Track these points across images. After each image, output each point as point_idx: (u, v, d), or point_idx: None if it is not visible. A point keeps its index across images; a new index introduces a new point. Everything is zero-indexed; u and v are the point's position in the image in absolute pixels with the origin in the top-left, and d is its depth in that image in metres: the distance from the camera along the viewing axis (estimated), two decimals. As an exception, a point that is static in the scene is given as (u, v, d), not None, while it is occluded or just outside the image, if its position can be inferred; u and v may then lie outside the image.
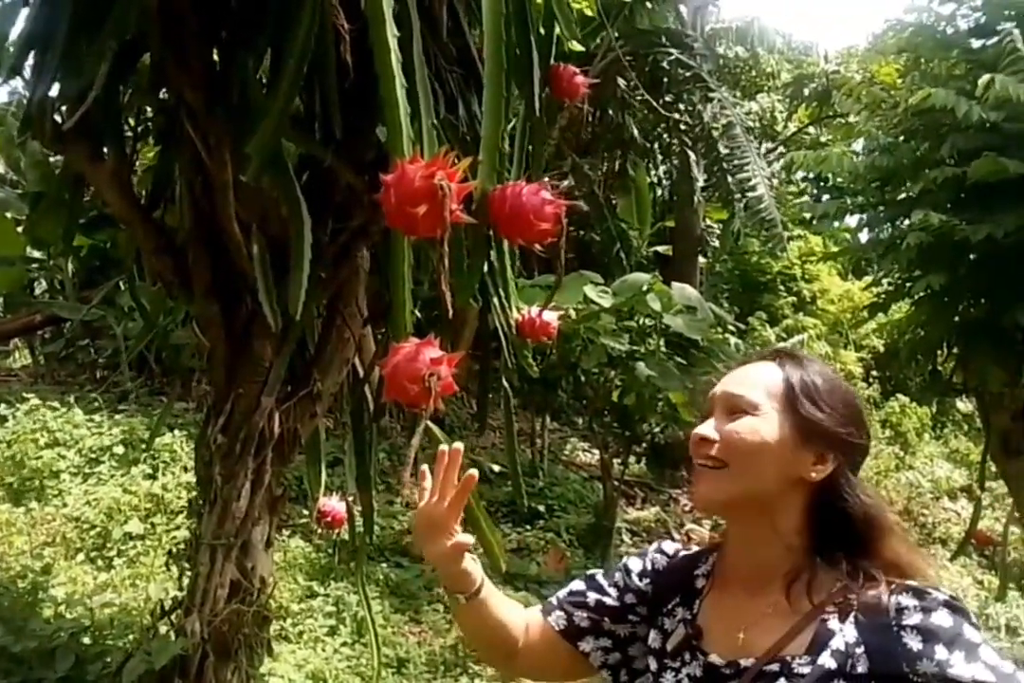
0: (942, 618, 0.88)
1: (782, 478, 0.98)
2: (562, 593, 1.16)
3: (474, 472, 1.05)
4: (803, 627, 0.93)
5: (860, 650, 0.89)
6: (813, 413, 0.98)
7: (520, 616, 1.16)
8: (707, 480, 1.00)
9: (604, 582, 1.14)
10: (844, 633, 0.90)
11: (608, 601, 1.12)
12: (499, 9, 1.48)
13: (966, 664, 0.85)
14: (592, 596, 1.13)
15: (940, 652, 0.86)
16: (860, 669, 0.88)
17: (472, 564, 1.09)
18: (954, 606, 0.90)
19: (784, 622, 0.94)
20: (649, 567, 1.13)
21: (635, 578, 1.12)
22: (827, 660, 0.89)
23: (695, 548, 1.13)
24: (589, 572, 1.19)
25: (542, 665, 1.17)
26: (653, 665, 1.04)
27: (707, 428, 1.02)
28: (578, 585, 1.16)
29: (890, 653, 0.88)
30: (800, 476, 0.98)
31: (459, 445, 1.06)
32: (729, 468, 0.99)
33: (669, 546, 1.16)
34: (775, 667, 0.92)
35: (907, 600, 0.90)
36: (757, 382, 1.02)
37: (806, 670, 0.90)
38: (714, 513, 1.07)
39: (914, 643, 0.87)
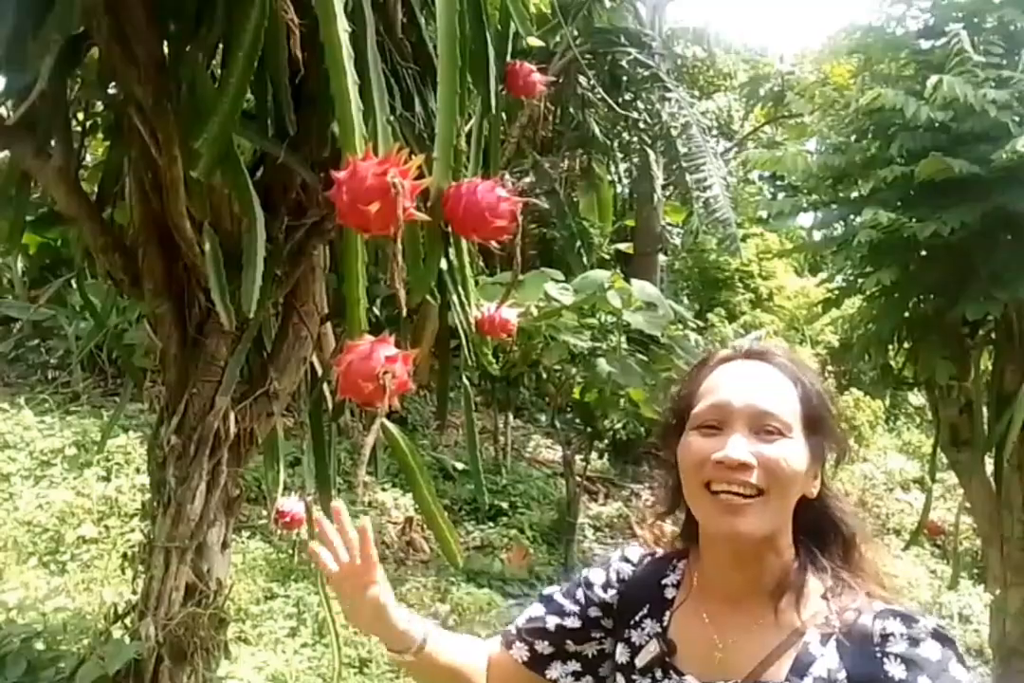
0: (930, 649, 0.85)
1: (794, 502, 0.93)
2: (520, 620, 1.10)
3: (366, 520, 0.99)
4: (785, 649, 0.89)
5: (842, 675, 0.86)
6: (827, 434, 0.95)
7: (479, 654, 1.10)
8: (743, 512, 0.89)
9: (564, 602, 1.07)
10: (826, 657, 0.87)
11: (569, 623, 1.06)
12: (454, 5, 1.48)
13: None
14: (552, 621, 1.06)
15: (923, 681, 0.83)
16: None
17: (410, 619, 1.04)
18: (942, 637, 0.86)
19: (766, 641, 0.90)
20: (614, 577, 1.07)
21: (598, 590, 1.06)
22: None
23: (660, 551, 1.08)
24: (546, 591, 1.13)
25: None
26: (622, 681, 0.99)
27: (739, 450, 0.89)
28: (536, 610, 1.09)
29: (872, 680, 0.85)
30: (804, 493, 0.94)
31: (338, 504, 1.01)
32: (765, 496, 0.89)
33: (634, 552, 1.09)
34: None
35: (893, 626, 0.86)
36: (784, 398, 0.93)
37: None
38: (739, 544, 0.93)
39: (897, 672, 0.84)
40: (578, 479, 6.24)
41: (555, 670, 1.05)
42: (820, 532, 0.95)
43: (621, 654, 1.00)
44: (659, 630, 0.98)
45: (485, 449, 7.16)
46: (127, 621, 2.27)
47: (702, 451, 0.91)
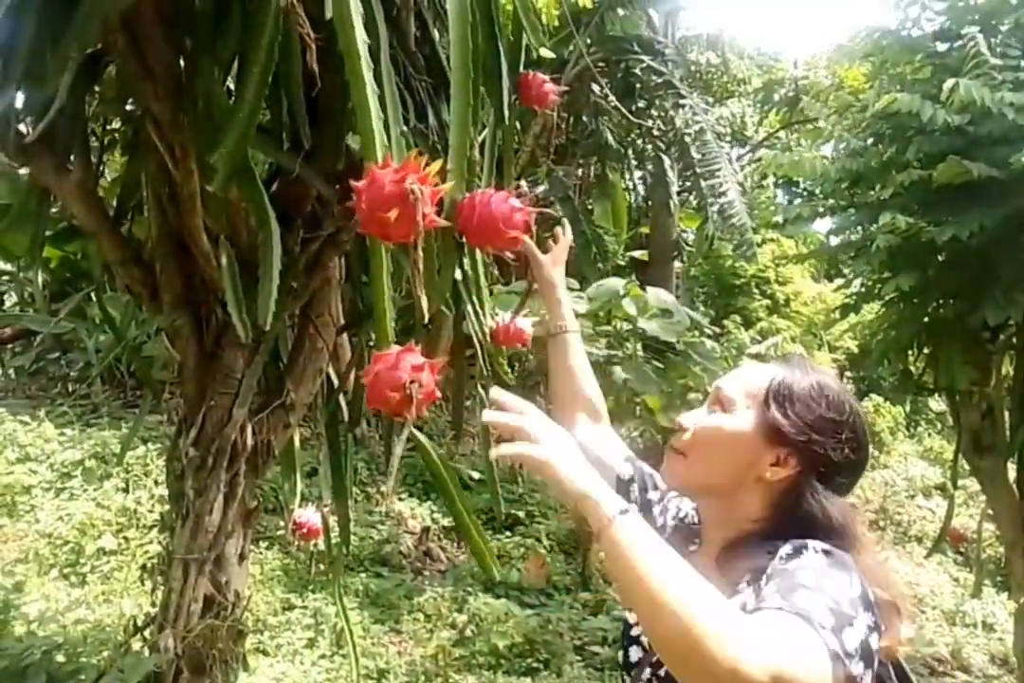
0: (809, 556, 0.92)
1: (737, 474, 1.04)
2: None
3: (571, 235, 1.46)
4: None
5: (752, 600, 0.92)
6: (775, 416, 1.03)
7: (598, 400, 1.38)
8: (670, 464, 1.11)
9: (666, 494, 1.27)
10: (744, 595, 0.95)
11: (652, 501, 1.25)
12: (466, 18, 1.48)
13: (769, 587, 0.87)
14: (651, 494, 1.27)
15: (773, 569, 0.90)
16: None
17: (564, 302, 1.39)
18: (828, 552, 0.92)
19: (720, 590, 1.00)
20: (678, 506, 1.25)
21: (672, 508, 1.25)
22: None
23: None
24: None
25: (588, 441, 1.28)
26: None
27: (687, 417, 1.11)
28: (653, 479, 1.30)
29: (762, 572, 0.93)
30: (758, 475, 1.03)
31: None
32: (688, 458, 1.08)
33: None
34: None
35: (785, 548, 0.94)
36: (744, 380, 1.09)
37: None
38: (677, 490, 1.20)
39: (776, 563, 0.92)
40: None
41: (627, 470, 1.30)
42: (794, 521, 1.01)
43: None
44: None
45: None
46: (146, 633, 2.27)
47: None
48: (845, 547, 0.97)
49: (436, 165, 1.14)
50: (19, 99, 1.88)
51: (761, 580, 0.92)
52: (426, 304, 1.14)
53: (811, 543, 0.95)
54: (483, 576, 4.98)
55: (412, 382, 1.11)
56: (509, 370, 2.46)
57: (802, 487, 1.01)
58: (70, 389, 6.44)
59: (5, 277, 6.13)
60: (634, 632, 1.10)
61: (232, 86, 1.93)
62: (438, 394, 1.16)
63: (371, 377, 1.14)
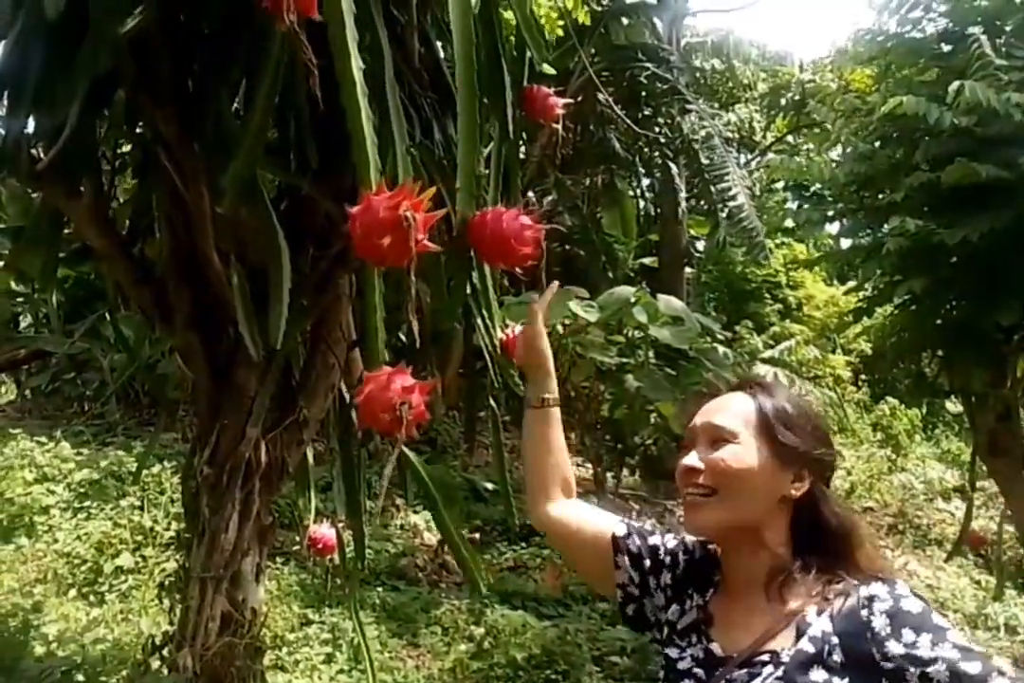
0: (911, 604, 0.96)
1: (768, 499, 1.06)
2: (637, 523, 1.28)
3: (555, 283, 1.33)
4: (785, 623, 1.00)
5: (835, 640, 0.96)
6: (789, 438, 1.06)
7: (571, 476, 1.33)
8: (698, 509, 1.07)
9: (665, 536, 1.23)
10: (820, 624, 0.98)
11: (649, 560, 1.19)
12: (470, 37, 1.50)
13: (932, 645, 0.91)
14: (655, 540, 1.21)
15: (907, 635, 0.93)
16: (836, 658, 0.95)
17: (549, 377, 1.30)
18: (919, 596, 0.98)
19: (766, 621, 1.02)
20: (688, 547, 1.21)
21: (670, 544, 1.21)
22: (806, 645, 0.97)
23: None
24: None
25: (579, 545, 1.25)
26: (665, 633, 1.14)
27: (692, 458, 1.09)
28: (650, 526, 1.27)
29: (859, 637, 0.95)
30: (783, 494, 1.06)
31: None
32: (719, 494, 1.06)
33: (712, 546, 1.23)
34: (765, 657, 0.99)
35: (876, 589, 0.98)
36: (734, 412, 1.10)
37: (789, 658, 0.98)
38: (708, 537, 1.15)
39: (881, 626, 0.94)
40: (610, 496, 6.18)
41: (623, 560, 1.19)
42: (813, 532, 1.06)
43: (672, 613, 1.14)
44: (701, 603, 1.12)
45: (515, 469, 7.14)
46: (165, 652, 2.28)
47: (677, 466, 1.11)
48: (855, 543, 1.05)
49: (431, 191, 1.15)
50: (30, 125, 1.91)
51: (857, 611, 0.96)
52: (431, 322, 1.15)
53: (897, 588, 0.98)
54: (500, 587, 4.96)
55: (402, 403, 1.13)
56: (520, 381, 2.46)
57: (816, 496, 1.07)
58: (86, 408, 6.48)
59: (20, 298, 6.18)
60: (681, 665, 1.08)
61: (240, 108, 1.95)
62: (428, 415, 1.19)
63: (364, 398, 1.16)
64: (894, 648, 0.92)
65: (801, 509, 1.07)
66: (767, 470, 1.05)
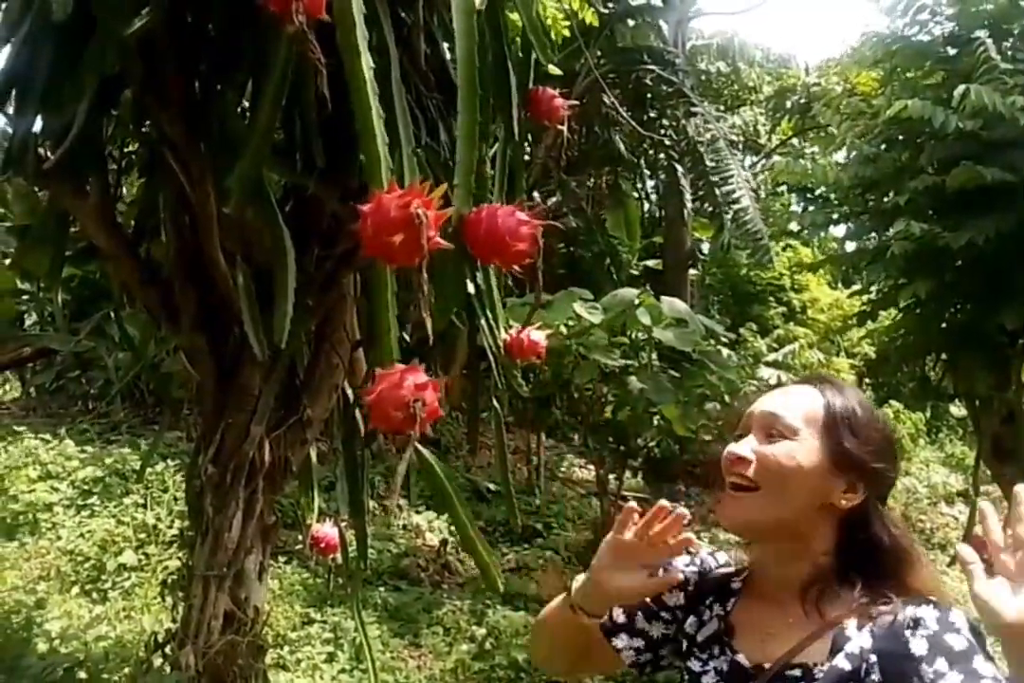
0: (957, 639, 0.88)
1: (811, 504, 0.99)
2: None
3: (691, 536, 1.03)
4: (821, 634, 0.95)
5: (873, 658, 0.90)
6: (850, 443, 0.99)
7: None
8: (737, 503, 1.01)
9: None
10: (859, 639, 0.93)
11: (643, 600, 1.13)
12: (472, 37, 1.50)
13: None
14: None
15: (940, 664, 0.86)
16: (874, 677, 0.89)
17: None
18: (975, 630, 0.90)
19: (804, 631, 0.97)
20: (698, 562, 1.16)
21: (678, 564, 1.13)
22: (842, 661, 0.92)
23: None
24: None
25: (580, 658, 1.18)
26: (684, 647, 1.08)
27: (744, 448, 1.02)
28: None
29: (899, 658, 0.89)
30: (830, 502, 0.99)
31: (684, 511, 1.03)
32: (761, 491, 0.99)
33: (722, 556, 1.18)
34: (797, 672, 0.94)
35: (926, 612, 0.91)
36: (797, 406, 1.02)
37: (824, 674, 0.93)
38: (740, 534, 1.09)
39: (919, 650, 0.88)
40: (612, 498, 6.18)
41: (621, 640, 1.12)
42: (862, 547, 0.99)
43: (690, 625, 1.09)
44: (722, 613, 1.07)
45: (519, 469, 7.14)
46: (167, 650, 2.28)
47: (725, 451, 1.04)
48: (907, 565, 0.98)
49: (441, 189, 1.15)
50: (38, 124, 1.92)
51: (900, 632, 0.90)
52: (430, 324, 1.14)
53: (951, 616, 0.92)
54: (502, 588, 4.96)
55: (416, 401, 1.11)
56: (524, 383, 2.46)
57: (868, 511, 1.00)
58: (90, 407, 6.51)
59: (25, 297, 6.20)
60: (706, 680, 1.03)
61: (247, 108, 1.95)
62: (441, 412, 1.17)
63: (375, 396, 1.14)
64: (925, 673, 0.86)
65: (851, 522, 1.00)
66: (818, 473, 0.98)
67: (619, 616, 1.13)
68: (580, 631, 1.10)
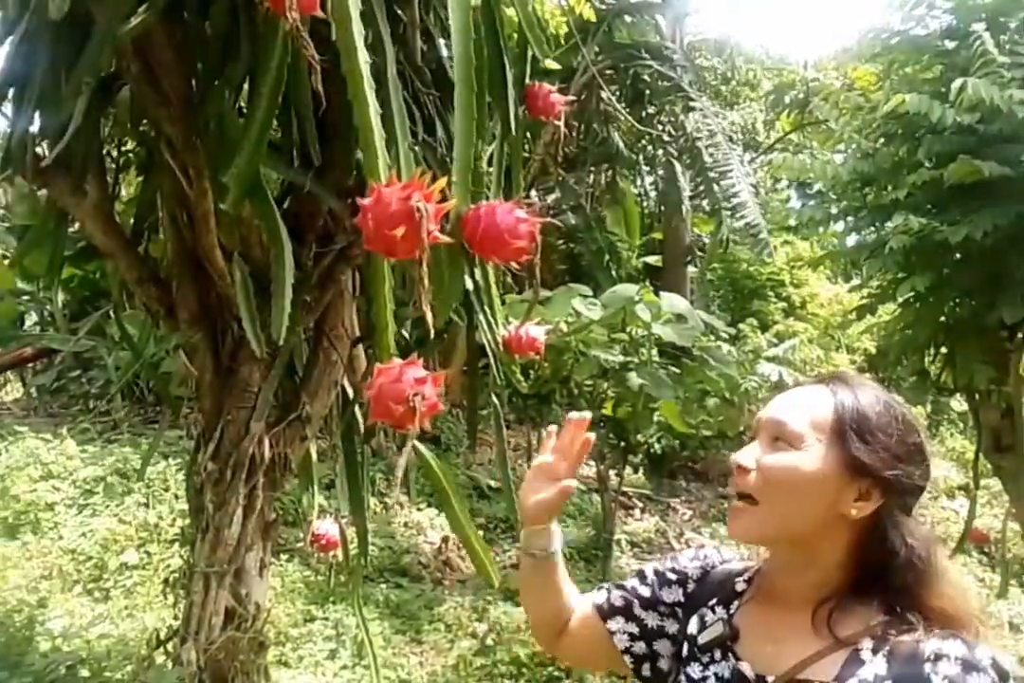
0: (980, 679, 0.83)
1: (818, 514, 0.93)
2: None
3: (591, 435, 1.10)
4: (832, 652, 0.91)
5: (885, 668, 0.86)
6: (861, 450, 0.92)
7: (576, 596, 1.19)
8: (739, 517, 0.98)
9: (648, 571, 1.17)
10: (875, 665, 0.87)
11: (641, 589, 1.14)
12: (468, 34, 1.50)
13: None
14: (630, 582, 1.17)
15: None
16: None
17: (556, 527, 1.14)
18: (1000, 670, 0.85)
19: (810, 644, 0.92)
20: (702, 557, 1.15)
21: (683, 560, 1.15)
22: None
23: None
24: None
25: (580, 645, 1.18)
26: (684, 650, 1.06)
27: (747, 456, 0.97)
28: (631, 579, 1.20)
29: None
30: (840, 513, 0.93)
31: (587, 414, 1.11)
32: (761, 506, 0.95)
33: (728, 552, 1.17)
34: None
35: (950, 647, 0.86)
36: (804, 409, 0.96)
37: None
38: (748, 544, 1.08)
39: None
40: (613, 494, 6.19)
41: (616, 623, 1.12)
42: (882, 561, 0.93)
43: (692, 625, 1.07)
44: (725, 616, 1.04)
45: (519, 466, 7.15)
46: (169, 646, 2.30)
47: (731, 458, 1.00)
48: (929, 581, 0.92)
49: (441, 182, 1.15)
50: (35, 123, 1.92)
51: (920, 666, 0.85)
52: (431, 318, 1.15)
53: (976, 654, 0.86)
54: (503, 585, 4.97)
55: (415, 395, 1.12)
56: (522, 379, 2.47)
57: (885, 520, 0.93)
58: (91, 406, 6.51)
59: (25, 296, 6.21)
60: None
61: (243, 106, 1.96)
62: (441, 406, 1.17)
63: (375, 390, 1.15)
64: None
65: (866, 532, 0.94)
66: (829, 483, 0.92)
67: (616, 600, 1.14)
68: (546, 586, 1.15)
